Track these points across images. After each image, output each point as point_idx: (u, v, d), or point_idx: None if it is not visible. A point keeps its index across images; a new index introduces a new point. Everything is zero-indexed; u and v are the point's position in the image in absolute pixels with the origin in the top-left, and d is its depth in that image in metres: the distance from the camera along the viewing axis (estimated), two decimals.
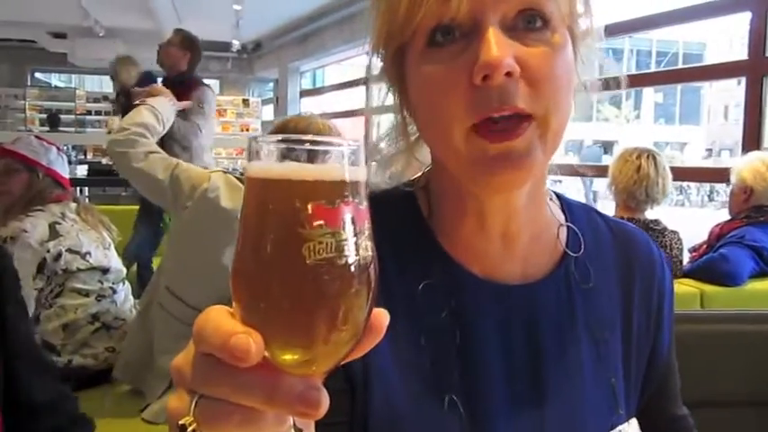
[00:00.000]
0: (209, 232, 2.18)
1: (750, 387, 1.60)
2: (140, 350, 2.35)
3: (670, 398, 0.88)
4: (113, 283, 2.57)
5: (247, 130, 11.34)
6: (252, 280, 0.40)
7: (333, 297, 0.40)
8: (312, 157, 0.40)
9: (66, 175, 2.64)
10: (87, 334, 2.45)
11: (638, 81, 4.97)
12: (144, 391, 2.36)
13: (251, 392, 0.40)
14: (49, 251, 2.36)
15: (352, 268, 0.40)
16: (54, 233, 2.40)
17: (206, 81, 4.52)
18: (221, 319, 0.40)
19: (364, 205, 0.42)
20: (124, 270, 2.69)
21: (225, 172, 2.29)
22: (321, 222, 0.39)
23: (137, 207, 4.40)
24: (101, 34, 10.03)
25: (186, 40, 4.30)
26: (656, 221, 2.92)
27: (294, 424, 0.45)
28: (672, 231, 2.91)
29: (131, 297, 2.69)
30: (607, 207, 2.77)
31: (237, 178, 2.23)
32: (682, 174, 3.22)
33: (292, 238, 0.39)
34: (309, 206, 0.39)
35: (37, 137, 2.63)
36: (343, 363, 0.45)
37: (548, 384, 0.74)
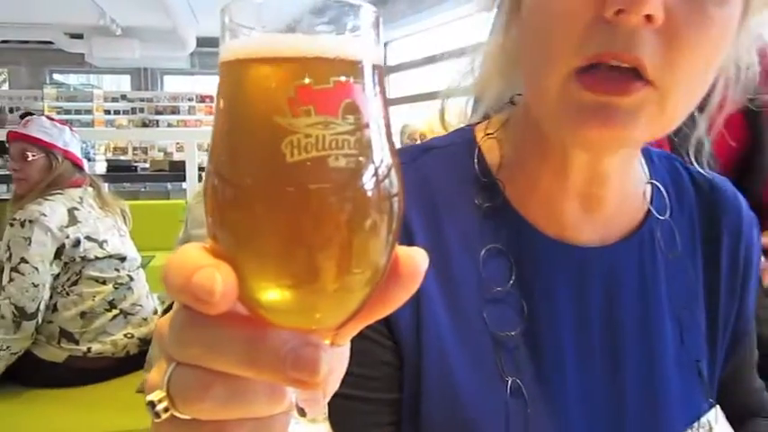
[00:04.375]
0: None
1: None
2: None
3: (749, 369, 0.78)
4: (130, 271, 2.54)
5: None
6: (221, 194, 0.30)
7: (325, 213, 0.29)
8: (299, 22, 0.29)
9: (81, 157, 2.58)
10: (105, 321, 2.43)
11: None
12: None
13: (226, 351, 0.30)
14: (68, 237, 2.33)
15: (358, 174, 0.29)
16: (73, 219, 2.37)
17: None
18: (188, 254, 0.30)
19: (378, 94, 0.31)
20: (139, 258, 2.67)
21: None
22: (308, 108, 0.28)
23: (158, 202, 4.42)
24: (117, 33, 10.06)
25: None
26: None
27: (297, 403, 0.34)
28: None
29: (147, 284, 2.67)
30: None
31: None
32: None
33: (270, 132, 0.29)
34: (291, 87, 0.29)
35: (48, 117, 2.56)
36: (361, 320, 0.34)
37: (627, 367, 0.65)
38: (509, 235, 0.65)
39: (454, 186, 0.66)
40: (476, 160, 0.68)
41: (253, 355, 0.30)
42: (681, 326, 0.67)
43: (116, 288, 2.47)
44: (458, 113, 0.75)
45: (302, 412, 0.34)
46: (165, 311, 2.42)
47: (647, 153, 0.74)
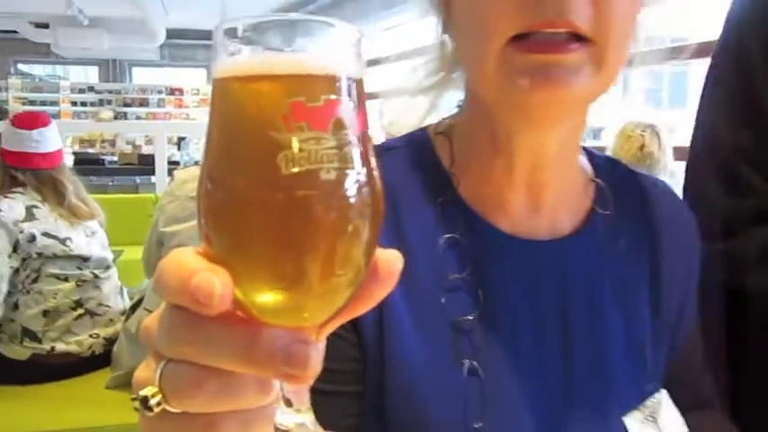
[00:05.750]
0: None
1: None
2: (136, 359, 2.28)
3: (696, 372, 0.79)
4: (94, 269, 2.51)
5: None
6: (216, 203, 0.33)
7: (316, 221, 0.32)
8: (290, 42, 0.32)
9: (50, 150, 2.55)
10: (70, 320, 2.41)
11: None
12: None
13: (222, 349, 0.32)
14: (22, 232, 2.33)
15: (345, 185, 0.32)
16: (30, 215, 2.37)
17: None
18: (183, 258, 0.33)
19: (362, 110, 0.34)
20: (109, 257, 2.63)
21: None
22: (301, 124, 0.31)
23: (126, 196, 4.34)
24: (85, 24, 9.88)
25: None
26: None
27: (283, 395, 0.37)
28: None
29: (119, 282, 2.64)
30: None
31: None
32: (683, 154, 3.12)
33: (265, 146, 0.31)
34: (285, 104, 0.31)
35: (12, 117, 2.55)
36: (344, 317, 0.37)
37: (577, 351, 0.68)
38: (464, 227, 0.67)
39: (412, 184, 0.69)
40: (429, 157, 0.71)
41: (247, 353, 0.32)
42: (626, 316, 0.71)
43: (79, 285, 2.44)
44: (398, 118, 0.78)
45: (288, 403, 0.36)
46: (134, 308, 2.41)
47: (590, 155, 0.78)
